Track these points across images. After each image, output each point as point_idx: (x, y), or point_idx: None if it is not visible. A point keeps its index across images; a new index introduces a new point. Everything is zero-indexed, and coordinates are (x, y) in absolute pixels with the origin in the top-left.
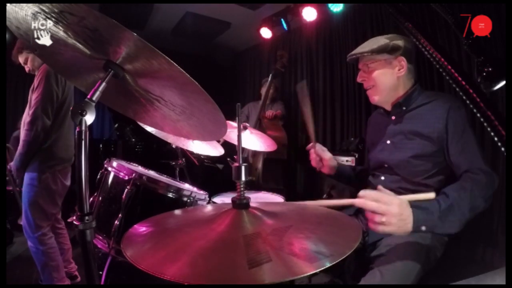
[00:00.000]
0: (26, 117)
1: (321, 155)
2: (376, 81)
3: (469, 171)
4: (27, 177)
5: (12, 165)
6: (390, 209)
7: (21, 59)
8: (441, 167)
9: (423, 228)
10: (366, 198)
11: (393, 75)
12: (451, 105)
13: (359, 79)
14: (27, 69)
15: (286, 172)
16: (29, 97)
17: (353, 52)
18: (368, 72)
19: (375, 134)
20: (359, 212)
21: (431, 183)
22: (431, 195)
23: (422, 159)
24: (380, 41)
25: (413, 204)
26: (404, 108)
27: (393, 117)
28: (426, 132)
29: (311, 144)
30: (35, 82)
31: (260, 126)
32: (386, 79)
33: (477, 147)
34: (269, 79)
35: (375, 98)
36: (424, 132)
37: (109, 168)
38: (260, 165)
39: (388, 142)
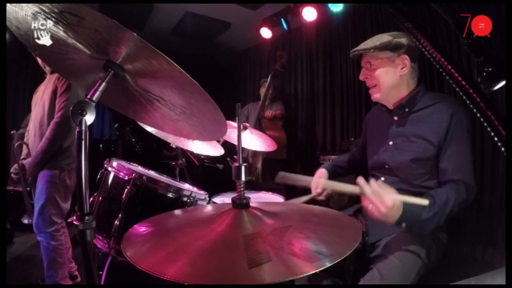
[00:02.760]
0: (43, 116)
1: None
2: (379, 79)
3: (455, 182)
4: (46, 174)
5: (29, 161)
6: (379, 206)
7: None
8: (437, 170)
9: (403, 225)
10: (367, 185)
11: (396, 73)
12: (455, 110)
13: (361, 77)
14: (40, 61)
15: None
16: (47, 98)
17: (356, 48)
18: (370, 70)
19: (376, 132)
20: (359, 212)
21: (430, 185)
22: (424, 202)
23: (421, 162)
24: (383, 38)
25: (404, 205)
26: (407, 109)
27: (396, 118)
28: (429, 136)
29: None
30: (61, 85)
31: (259, 126)
32: (388, 78)
33: (470, 157)
34: (269, 79)
35: (377, 96)
36: (426, 136)
37: (109, 168)
38: (259, 165)
39: (390, 143)
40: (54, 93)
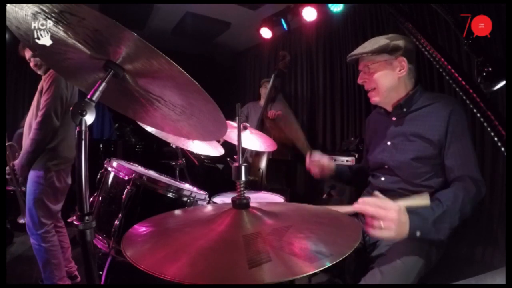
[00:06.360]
0: (32, 117)
1: (319, 163)
2: (377, 82)
3: (461, 180)
4: (33, 175)
5: (17, 163)
6: (389, 215)
7: (28, 54)
8: (439, 169)
9: (418, 233)
10: (366, 204)
11: (394, 76)
12: (453, 108)
13: (359, 81)
14: (32, 64)
15: (289, 172)
16: (35, 99)
17: (353, 53)
18: (368, 74)
19: (375, 134)
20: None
21: (431, 184)
22: (426, 201)
23: (422, 161)
24: (380, 41)
25: (409, 210)
26: (405, 109)
27: (394, 118)
28: (428, 134)
29: (307, 156)
30: (44, 84)
31: (262, 126)
32: (387, 81)
33: (473, 153)
34: (272, 79)
35: (376, 99)
36: (425, 135)
37: (109, 168)
38: (264, 165)
39: (389, 143)
40: (40, 93)
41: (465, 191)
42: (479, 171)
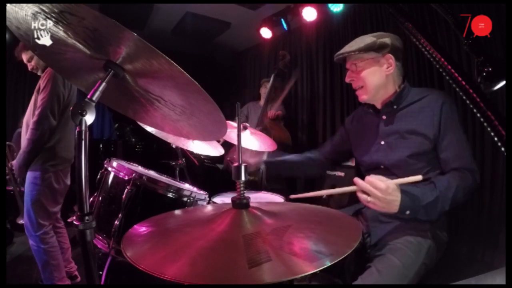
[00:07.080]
0: (29, 116)
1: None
2: (365, 80)
3: (458, 170)
4: (30, 175)
5: (14, 163)
6: (375, 192)
7: (25, 57)
8: (436, 162)
9: (407, 212)
10: (361, 182)
11: (382, 73)
12: (444, 100)
13: (347, 79)
14: (30, 67)
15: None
16: (33, 98)
17: (340, 52)
18: (356, 72)
19: (363, 134)
20: (359, 213)
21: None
22: (418, 177)
23: (418, 157)
24: (366, 39)
25: (404, 189)
26: (395, 106)
27: (384, 117)
28: (422, 130)
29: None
30: (41, 83)
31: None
32: (375, 78)
33: (466, 143)
34: (272, 79)
35: (364, 97)
36: (420, 130)
37: (109, 168)
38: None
39: (382, 142)
40: (38, 92)
41: (460, 180)
42: (473, 161)
